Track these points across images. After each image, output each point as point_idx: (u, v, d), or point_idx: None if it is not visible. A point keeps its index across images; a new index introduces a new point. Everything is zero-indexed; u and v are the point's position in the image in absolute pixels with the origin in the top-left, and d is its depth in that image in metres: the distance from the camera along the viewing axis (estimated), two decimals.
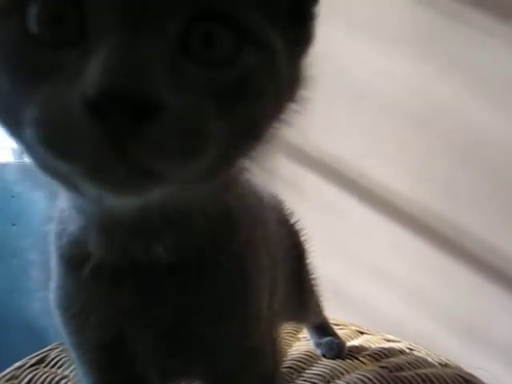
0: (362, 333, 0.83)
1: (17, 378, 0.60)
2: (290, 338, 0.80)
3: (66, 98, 0.23)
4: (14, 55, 0.25)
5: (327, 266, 1.02)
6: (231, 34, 0.27)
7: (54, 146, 0.24)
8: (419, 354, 0.73)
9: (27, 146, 0.26)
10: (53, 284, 0.39)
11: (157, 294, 0.35)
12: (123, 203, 0.28)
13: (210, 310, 0.38)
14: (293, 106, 0.32)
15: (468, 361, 0.72)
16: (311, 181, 1.12)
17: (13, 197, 1.69)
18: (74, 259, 0.36)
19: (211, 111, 0.26)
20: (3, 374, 0.60)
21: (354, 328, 0.84)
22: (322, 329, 0.77)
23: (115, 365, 0.39)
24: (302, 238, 0.65)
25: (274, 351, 0.46)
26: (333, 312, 0.81)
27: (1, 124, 0.28)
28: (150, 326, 0.37)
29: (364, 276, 1.11)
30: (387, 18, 1.08)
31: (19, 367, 0.62)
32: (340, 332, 0.81)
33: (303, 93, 0.33)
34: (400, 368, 0.68)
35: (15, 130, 0.27)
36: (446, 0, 1.02)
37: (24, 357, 0.70)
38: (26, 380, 0.61)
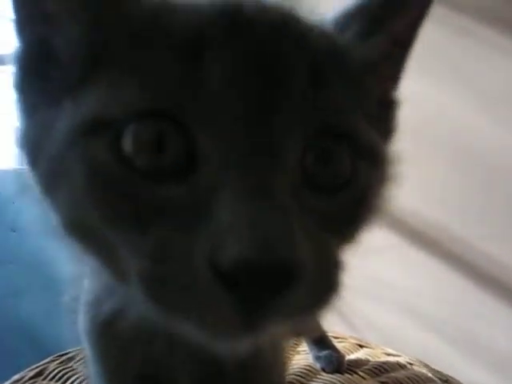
0: (361, 346, 0.83)
1: None
2: (290, 352, 0.79)
3: (186, 255, 0.19)
4: (106, 185, 0.21)
5: None
6: (348, 151, 0.24)
7: (167, 304, 0.20)
8: (419, 369, 0.73)
9: (126, 293, 0.22)
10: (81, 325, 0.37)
11: None
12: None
13: None
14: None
15: (470, 376, 0.72)
16: None
17: (13, 203, 1.69)
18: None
19: (335, 246, 0.23)
20: None
21: (353, 341, 0.84)
22: (321, 342, 0.77)
23: None
24: None
25: (282, 363, 0.44)
26: (332, 325, 0.81)
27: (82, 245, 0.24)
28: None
29: (364, 289, 1.10)
30: None
31: (18, 380, 0.62)
32: (339, 345, 0.80)
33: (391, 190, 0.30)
34: (400, 383, 0.68)
35: (110, 269, 0.23)
36: (447, 12, 1.02)
37: (22, 361, 0.69)
38: None
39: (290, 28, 0.22)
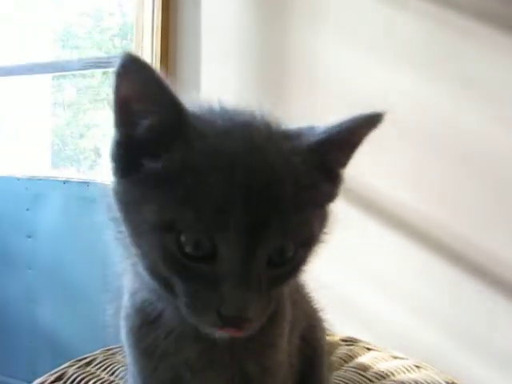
0: (369, 349, 0.85)
1: None
2: None
3: (207, 299, 0.38)
4: (168, 258, 0.39)
5: (338, 283, 1.04)
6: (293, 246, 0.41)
7: (195, 314, 0.40)
8: (427, 373, 0.75)
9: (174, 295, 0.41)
10: (128, 322, 0.49)
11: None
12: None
13: (257, 346, 0.48)
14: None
15: (479, 379, 0.73)
16: None
17: (28, 210, 1.73)
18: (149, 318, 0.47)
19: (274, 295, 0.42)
20: None
21: (361, 345, 0.86)
22: None
23: None
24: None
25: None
26: (341, 328, 0.82)
27: (153, 279, 0.42)
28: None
29: (373, 291, 1.12)
30: (396, 36, 1.10)
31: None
32: (347, 348, 0.82)
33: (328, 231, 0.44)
34: None
35: (165, 288, 0.41)
36: (455, 16, 1.03)
37: (39, 363, 0.72)
38: None
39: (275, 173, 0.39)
